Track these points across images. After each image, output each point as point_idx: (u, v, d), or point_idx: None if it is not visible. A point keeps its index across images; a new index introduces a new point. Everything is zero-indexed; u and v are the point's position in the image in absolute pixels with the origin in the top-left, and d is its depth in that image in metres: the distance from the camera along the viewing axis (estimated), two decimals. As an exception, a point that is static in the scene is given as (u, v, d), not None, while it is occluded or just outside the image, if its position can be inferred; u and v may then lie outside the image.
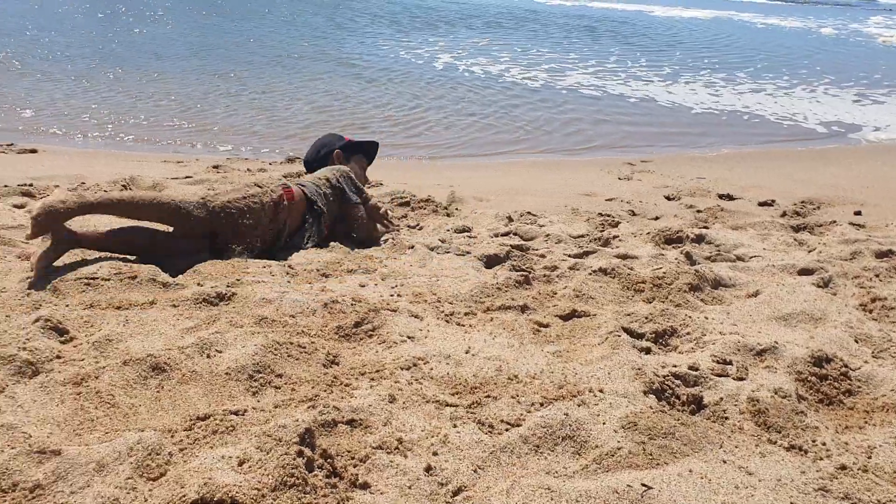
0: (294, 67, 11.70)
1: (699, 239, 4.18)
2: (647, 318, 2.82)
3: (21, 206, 4.04)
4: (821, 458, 1.94)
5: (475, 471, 1.79)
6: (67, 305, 2.58)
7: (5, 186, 4.47)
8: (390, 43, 15.03)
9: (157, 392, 2.06)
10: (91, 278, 2.79)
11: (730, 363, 2.47)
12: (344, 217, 3.93)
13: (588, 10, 25.71)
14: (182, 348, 2.24)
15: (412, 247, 3.76)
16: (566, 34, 18.09)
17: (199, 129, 7.92)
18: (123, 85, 9.69)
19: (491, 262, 3.59)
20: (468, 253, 3.69)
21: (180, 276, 3.01)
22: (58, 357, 2.19)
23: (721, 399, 2.24)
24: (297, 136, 7.86)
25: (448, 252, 3.72)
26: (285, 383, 2.18)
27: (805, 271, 3.50)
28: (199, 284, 2.88)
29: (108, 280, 2.78)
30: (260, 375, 2.17)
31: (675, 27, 21.46)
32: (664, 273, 3.28)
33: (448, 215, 4.69)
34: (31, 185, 4.59)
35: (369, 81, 10.90)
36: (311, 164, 4.43)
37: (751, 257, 3.87)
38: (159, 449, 1.73)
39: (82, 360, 2.19)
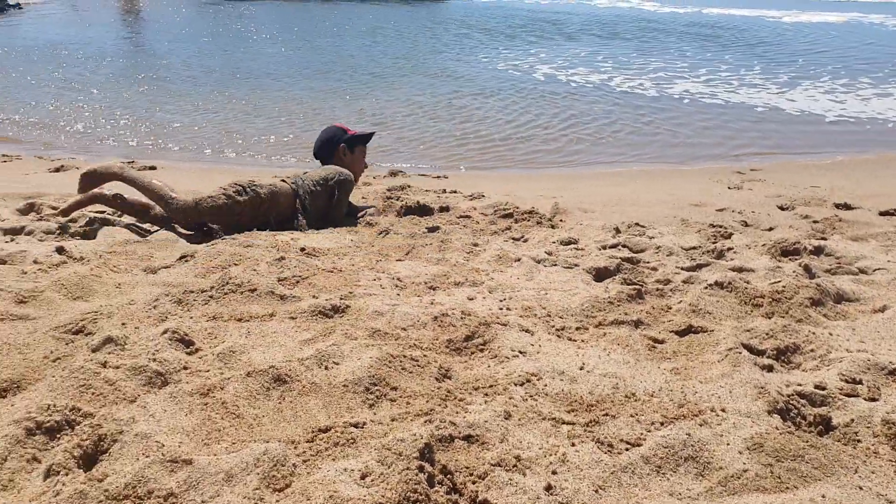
0: (393, 83, 11.88)
1: (818, 251, 4.00)
2: (767, 334, 2.71)
3: (140, 227, 4.24)
4: (969, 489, 1.82)
5: (596, 491, 1.76)
6: (192, 317, 2.68)
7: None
8: (489, 55, 15.05)
9: (279, 403, 2.11)
10: (213, 291, 2.90)
11: (860, 382, 2.35)
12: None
13: (703, 16, 24.79)
14: (301, 360, 2.29)
15: (518, 259, 3.74)
16: (677, 42, 17.60)
17: (306, 146, 8.16)
18: (238, 103, 10.07)
19: (600, 275, 3.53)
20: (576, 266, 3.64)
21: (296, 288, 3.09)
22: (185, 368, 2.27)
23: (852, 421, 2.12)
24: (398, 155, 7.97)
25: (555, 265, 3.68)
26: (400, 396, 2.19)
27: (938, 285, 3.30)
28: (314, 297, 2.95)
29: (230, 293, 2.88)
30: (376, 388, 2.20)
31: (796, 32, 20.52)
32: (783, 287, 3.15)
33: (553, 227, 4.64)
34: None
35: (468, 94, 10.95)
36: (318, 154, 5.03)
37: (875, 270, 3.67)
38: (284, 460, 1.76)
39: (208, 371, 2.27)
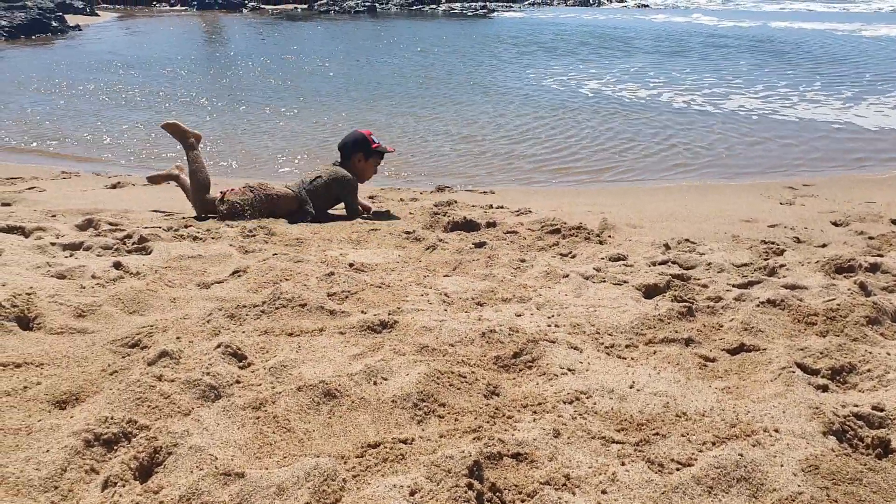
0: (441, 97, 11.96)
1: (874, 268, 3.90)
2: (822, 353, 2.65)
3: (195, 242, 4.33)
4: None
5: (647, 511, 1.74)
6: (244, 332, 2.73)
7: (179, 215, 4.82)
8: (538, 70, 15.04)
9: (329, 418, 2.13)
10: (265, 306, 2.95)
11: (920, 405, 2.28)
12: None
13: (767, 30, 24.12)
14: (351, 375, 2.31)
15: (566, 276, 3.72)
16: (733, 56, 17.27)
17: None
18: (284, 117, 10.24)
19: (650, 291, 3.49)
20: (625, 282, 3.61)
21: (345, 303, 3.13)
22: (237, 382, 2.32)
23: (912, 444, 2.07)
24: (445, 170, 8.01)
25: (604, 281, 3.66)
26: (448, 413, 2.20)
27: None
28: (363, 312, 2.98)
29: (281, 308, 2.93)
30: (424, 404, 2.21)
31: (865, 46, 19.98)
32: (838, 305, 3.08)
33: (601, 243, 4.62)
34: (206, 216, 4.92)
35: (516, 109, 10.97)
36: (341, 150, 5.67)
37: (936, 288, 3.57)
38: (334, 475, 1.78)
39: (259, 385, 2.31)
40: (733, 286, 3.55)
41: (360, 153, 5.55)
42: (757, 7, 32.57)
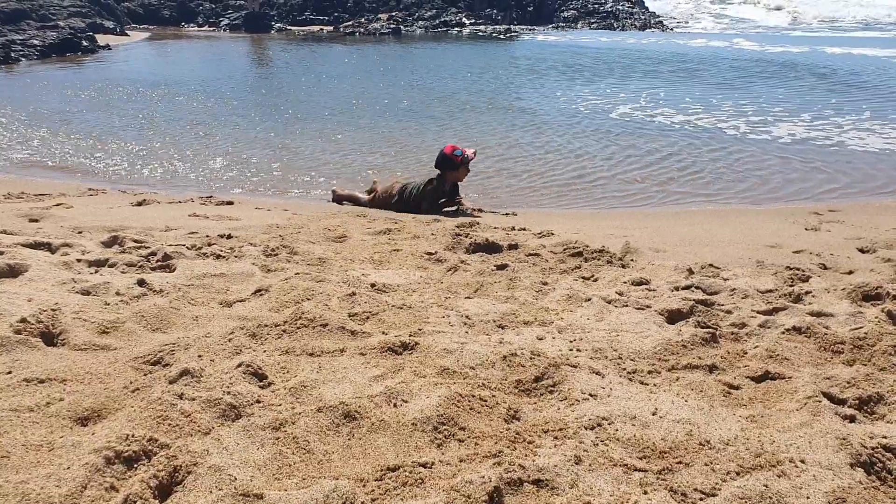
0: (466, 120, 12.00)
1: (903, 296, 3.84)
2: (849, 382, 2.61)
3: (217, 260, 4.36)
4: None
5: (669, 542, 1.71)
6: (265, 351, 2.74)
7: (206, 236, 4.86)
8: (567, 93, 15.04)
9: (349, 440, 2.12)
10: (286, 325, 2.95)
11: (950, 438, 2.23)
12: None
13: (821, 56, 23.45)
14: (371, 397, 2.31)
15: (588, 299, 3.70)
16: (766, 81, 17.02)
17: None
18: (316, 140, 10.33)
19: (673, 317, 3.46)
20: (648, 307, 3.58)
21: (366, 324, 3.13)
22: (258, 402, 2.32)
23: (942, 478, 2.02)
24: (476, 186, 8.03)
25: (626, 306, 3.63)
26: (468, 437, 2.19)
27: None
28: (383, 333, 2.97)
29: (303, 328, 2.93)
30: (444, 427, 2.20)
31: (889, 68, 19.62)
32: (865, 333, 3.04)
33: (623, 266, 4.58)
34: (229, 235, 4.96)
35: (541, 131, 10.98)
36: (437, 166, 7.08)
37: (965, 318, 3.51)
38: (353, 498, 1.77)
39: (280, 405, 2.31)
40: (758, 312, 3.51)
41: (449, 168, 6.99)
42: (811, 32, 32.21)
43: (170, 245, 4.47)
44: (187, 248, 4.43)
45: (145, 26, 32.22)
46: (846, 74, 18.24)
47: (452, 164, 6.94)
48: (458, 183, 7.21)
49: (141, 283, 3.60)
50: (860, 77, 17.78)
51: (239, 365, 2.52)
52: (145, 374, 2.59)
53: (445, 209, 7.05)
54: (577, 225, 6.14)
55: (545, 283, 4.03)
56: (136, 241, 4.61)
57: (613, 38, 29.72)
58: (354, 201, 7.38)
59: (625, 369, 2.75)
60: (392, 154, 9.61)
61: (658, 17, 37.96)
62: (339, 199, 7.46)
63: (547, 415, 2.37)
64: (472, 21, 34.73)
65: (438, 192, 7.03)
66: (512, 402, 2.43)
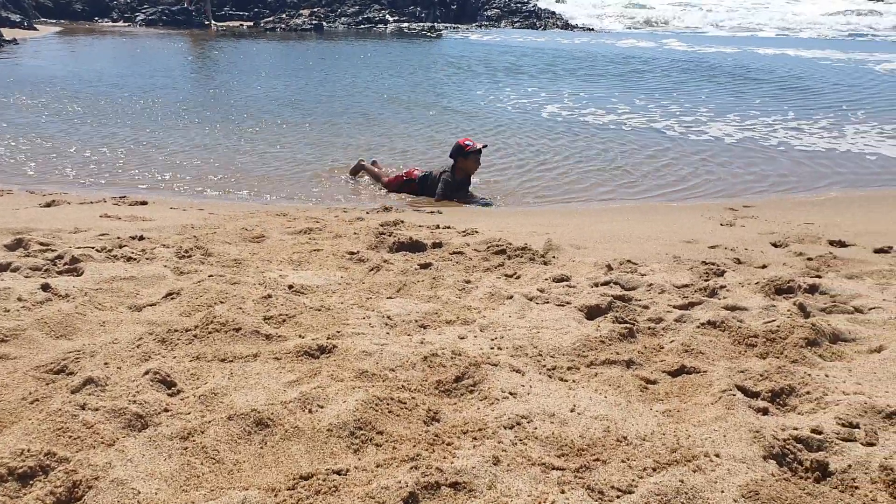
0: (391, 118, 11.92)
1: (812, 289, 3.96)
2: (762, 375, 2.66)
3: (129, 263, 4.20)
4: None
5: (586, 542, 1.70)
6: (175, 357, 2.63)
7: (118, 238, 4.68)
8: (497, 93, 15.04)
9: (261, 448, 2.05)
10: (198, 330, 2.85)
11: (857, 426, 2.30)
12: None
13: (749, 56, 23.76)
14: (285, 403, 2.24)
15: (511, 297, 3.70)
16: (688, 81, 17.40)
17: (300, 179, 8.14)
18: (235, 139, 10.09)
19: (592, 313, 3.48)
20: (568, 303, 3.60)
21: (282, 327, 3.04)
22: (165, 410, 2.22)
23: (849, 466, 2.07)
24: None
25: (547, 302, 3.64)
26: (386, 441, 2.14)
27: (934, 325, 3.26)
28: (300, 336, 2.90)
29: (215, 332, 2.83)
30: (361, 432, 2.15)
31: (802, 68, 20.26)
32: (778, 326, 3.11)
33: (545, 263, 4.60)
34: (141, 236, 4.78)
35: (469, 130, 10.98)
36: (451, 156, 7.64)
37: (870, 309, 3.63)
38: (263, 509, 1.71)
39: (189, 413, 2.22)
40: (674, 307, 3.56)
41: (460, 157, 7.50)
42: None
43: (78, 248, 4.28)
44: (97, 250, 4.25)
45: (56, 21, 31.00)
46: (764, 73, 18.84)
47: (462, 153, 7.46)
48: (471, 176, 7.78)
49: (45, 287, 3.43)
50: (777, 75, 18.40)
51: (147, 372, 2.42)
52: (47, 384, 2.46)
53: (460, 200, 7.57)
54: (501, 223, 6.15)
55: (468, 282, 4.01)
56: (42, 243, 4.40)
57: (539, 38, 29.94)
58: (375, 177, 8.10)
59: (545, 366, 2.75)
60: (317, 153, 9.46)
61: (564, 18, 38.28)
62: (357, 169, 8.25)
63: (467, 415, 2.34)
64: (396, 18, 34.56)
65: (450, 181, 7.57)
66: (432, 403, 2.39)
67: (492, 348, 2.94)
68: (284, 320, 3.13)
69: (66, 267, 3.94)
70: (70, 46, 23.27)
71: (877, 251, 5.14)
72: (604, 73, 18.87)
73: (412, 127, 11.24)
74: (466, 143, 7.56)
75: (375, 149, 9.65)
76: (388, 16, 34.57)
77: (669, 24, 36.96)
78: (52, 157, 8.91)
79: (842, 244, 5.36)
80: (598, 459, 2.05)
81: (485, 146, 7.73)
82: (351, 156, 9.14)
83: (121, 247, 4.40)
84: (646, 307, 3.56)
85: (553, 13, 37.68)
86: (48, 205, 6.42)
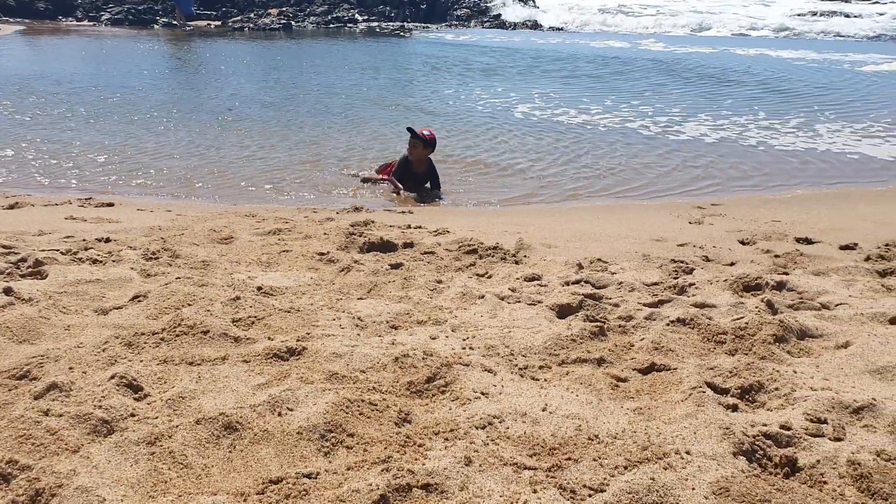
0: (359, 118, 11.87)
1: (780, 286, 4.00)
2: (731, 372, 2.69)
3: (94, 265, 4.13)
4: (935, 531, 1.79)
5: (558, 541, 1.70)
6: (142, 361, 2.59)
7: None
8: (468, 93, 15.03)
9: (230, 452, 2.02)
10: (165, 333, 2.81)
11: (824, 422, 2.33)
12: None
13: (725, 57, 23.77)
14: (254, 406, 2.21)
15: (482, 296, 3.69)
16: (685, 82, 17.43)
17: (270, 179, 8.08)
18: (204, 138, 9.99)
19: (563, 311, 3.49)
20: (539, 302, 3.60)
21: (251, 329, 3.01)
22: (132, 415, 2.18)
23: (818, 462, 2.09)
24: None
25: (519, 301, 3.64)
26: (357, 443, 2.12)
27: (897, 320, 3.31)
28: (269, 339, 2.87)
29: (182, 335, 2.79)
30: (331, 435, 2.13)
31: (774, 69, 20.43)
32: (746, 323, 3.14)
33: (517, 263, 4.61)
34: (107, 238, 4.70)
35: (439, 129, 10.97)
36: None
37: (837, 305, 3.68)
38: (232, 515, 1.68)
39: (156, 418, 2.18)
40: (644, 305, 3.58)
41: (413, 142, 7.85)
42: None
43: (42, 250, 4.20)
44: (61, 252, 4.18)
45: (18, 19, 30.47)
46: (740, 74, 19.03)
47: (413, 138, 7.86)
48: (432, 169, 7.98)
49: (7, 291, 3.36)
50: (757, 77, 18.58)
51: (112, 376, 2.37)
52: (9, 390, 2.41)
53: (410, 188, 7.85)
54: (472, 222, 6.15)
55: (440, 282, 4.00)
56: (4, 246, 4.31)
57: (513, 38, 29.97)
58: (377, 179, 8.22)
59: (516, 365, 2.75)
60: (287, 152, 9.39)
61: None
62: (366, 181, 8.29)
63: (438, 416, 2.33)
64: (366, 17, 34.43)
65: (403, 161, 7.92)
66: (403, 404, 2.38)
67: (463, 348, 2.93)
68: (253, 322, 3.10)
69: (30, 270, 3.86)
70: (34, 45, 22.90)
71: (842, 248, 5.22)
72: (581, 73, 18.92)
73: (388, 127, 11.20)
74: (421, 131, 7.92)
75: (355, 150, 9.59)
76: (357, 15, 34.42)
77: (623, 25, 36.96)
78: (15, 158, 8.75)
79: (808, 241, 5.43)
80: (569, 458, 2.05)
81: (428, 134, 7.98)
82: (326, 155, 9.11)
83: (86, 249, 4.32)
84: (616, 305, 3.57)
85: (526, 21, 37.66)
86: (11, 207, 6.30)
